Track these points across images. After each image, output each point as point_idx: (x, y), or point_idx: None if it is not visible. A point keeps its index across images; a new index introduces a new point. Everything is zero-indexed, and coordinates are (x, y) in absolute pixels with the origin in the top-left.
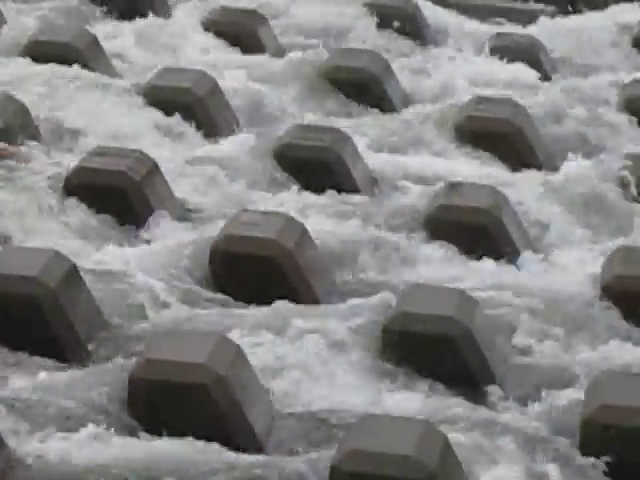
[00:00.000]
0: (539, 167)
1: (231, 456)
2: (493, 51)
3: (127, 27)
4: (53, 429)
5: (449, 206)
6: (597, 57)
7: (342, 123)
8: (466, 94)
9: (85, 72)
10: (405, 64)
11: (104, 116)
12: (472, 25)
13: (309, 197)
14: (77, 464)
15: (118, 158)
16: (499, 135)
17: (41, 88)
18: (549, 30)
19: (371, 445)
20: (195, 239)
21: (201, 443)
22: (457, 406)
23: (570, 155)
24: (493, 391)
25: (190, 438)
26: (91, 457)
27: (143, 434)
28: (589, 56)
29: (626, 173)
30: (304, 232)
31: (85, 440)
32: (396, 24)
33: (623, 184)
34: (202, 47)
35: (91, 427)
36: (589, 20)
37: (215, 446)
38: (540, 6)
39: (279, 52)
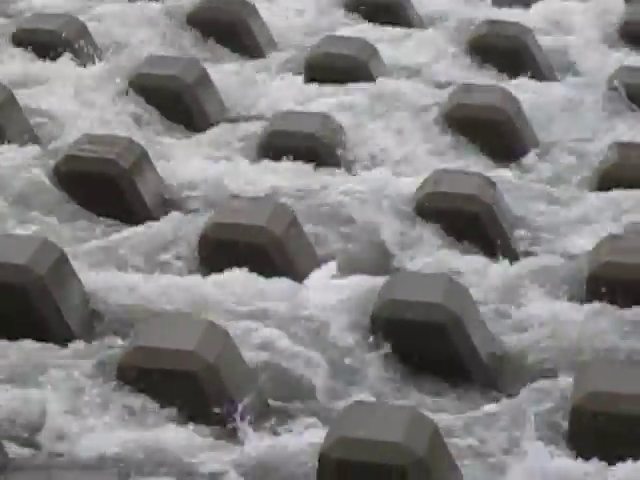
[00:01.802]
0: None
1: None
2: None
3: None
4: None
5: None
6: None
7: None
8: None
9: None
10: None
11: None
12: None
13: None
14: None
15: (107, 146)
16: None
17: None
18: None
19: (360, 432)
20: (185, 225)
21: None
22: (446, 393)
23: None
24: (482, 378)
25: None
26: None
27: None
28: None
29: None
30: (293, 218)
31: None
32: None
33: None
34: None
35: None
36: None
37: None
38: None
39: None
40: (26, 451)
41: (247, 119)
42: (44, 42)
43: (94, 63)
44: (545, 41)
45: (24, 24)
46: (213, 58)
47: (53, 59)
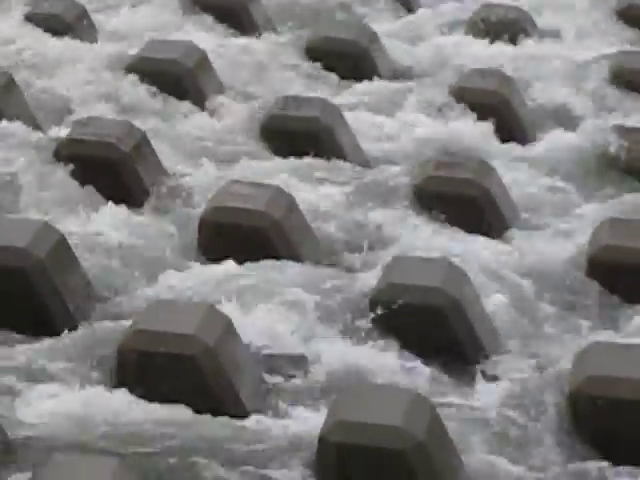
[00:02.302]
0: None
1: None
2: None
3: None
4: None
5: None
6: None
7: None
8: None
9: None
10: None
11: None
12: None
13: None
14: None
15: (107, 129)
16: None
17: None
18: None
19: (359, 416)
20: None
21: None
22: (445, 376)
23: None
24: (482, 362)
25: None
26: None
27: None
28: None
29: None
30: (292, 203)
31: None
32: None
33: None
34: None
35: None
36: None
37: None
38: None
39: None
40: None
41: None
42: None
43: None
44: None
45: None
46: None
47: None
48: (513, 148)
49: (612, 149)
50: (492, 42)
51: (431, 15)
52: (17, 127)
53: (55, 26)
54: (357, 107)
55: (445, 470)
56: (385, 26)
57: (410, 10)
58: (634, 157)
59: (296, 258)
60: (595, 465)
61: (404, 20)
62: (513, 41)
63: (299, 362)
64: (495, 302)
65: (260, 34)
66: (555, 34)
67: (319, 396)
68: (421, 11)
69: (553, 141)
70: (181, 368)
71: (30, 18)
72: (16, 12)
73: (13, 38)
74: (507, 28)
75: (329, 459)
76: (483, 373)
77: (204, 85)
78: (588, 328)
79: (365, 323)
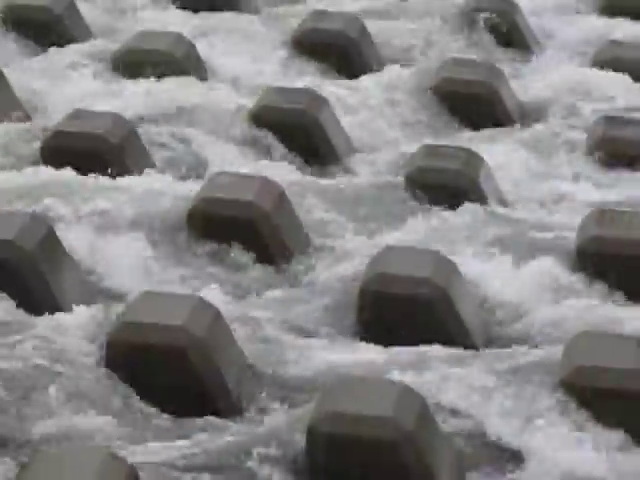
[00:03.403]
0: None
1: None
2: None
3: None
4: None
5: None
6: None
7: None
8: None
9: None
10: None
11: None
12: None
13: None
14: None
15: (96, 121)
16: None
17: None
18: None
19: (349, 406)
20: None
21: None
22: (433, 368)
23: None
24: (470, 352)
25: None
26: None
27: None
28: None
29: None
30: (281, 195)
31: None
32: None
33: None
34: None
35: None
36: None
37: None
38: None
39: None
40: None
41: None
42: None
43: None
44: None
45: None
46: None
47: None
48: None
49: None
50: None
51: None
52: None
53: None
54: None
55: (435, 461)
56: None
57: None
58: None
59: (284, 249)
60: None
61: None
62: None
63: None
64: None
65: None
66: None
67: (307, 388)
68: None
69: None
70: (170, 360)
71: None
72: None
73: None
74: None
75: (318, 450)
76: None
77: None
78: None
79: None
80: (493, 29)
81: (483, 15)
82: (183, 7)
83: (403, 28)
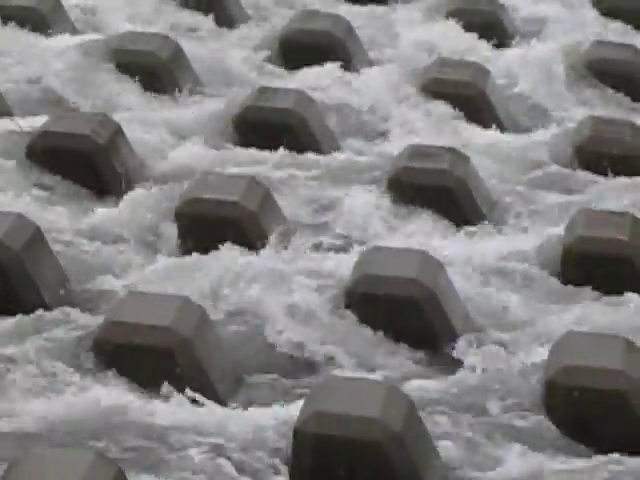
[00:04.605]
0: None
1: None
2: None
3: None
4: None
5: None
6: None
7: None
8: None
9: None
10: None
11: None
12: None
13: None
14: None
15: (82, 121)
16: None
17: None
18: None
19: (335, 407)
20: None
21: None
22: (420, 368)
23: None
24: (456, 353)
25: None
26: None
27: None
28: None
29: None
30: (267, 195)
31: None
32: None
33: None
34: None
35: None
36: None
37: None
38: None
39: None
40: None
41: None
42: None
43: None
44: None
45: None
46: None
47: None
48: None
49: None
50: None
51: None
52: None
53: None
54: None
55: (421, 461)
56: None
57: None
58: None
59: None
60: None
61: None
62: None
63: (275, 353)
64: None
65: None
66: None
67: (294, 387)
68: None
69: None
70: (157, 359)
71: None
72: None
73: None
74: None
75: (305, 450)
76: (458, 362)
77: None
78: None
79: (341, 313)
80: None
81: None
82: None
83: None
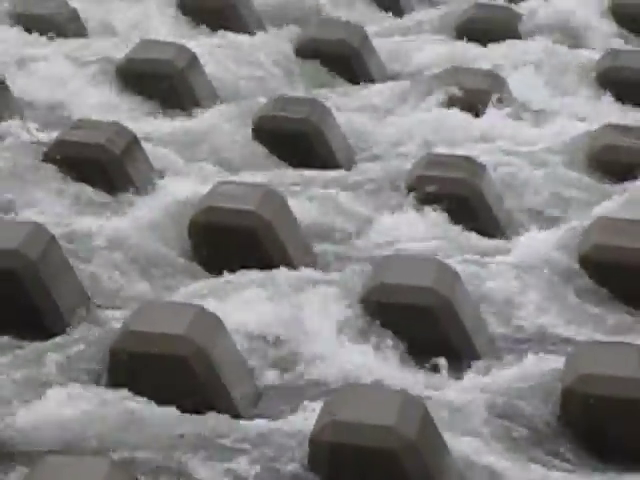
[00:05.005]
0: None
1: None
2: None
3: None
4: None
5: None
6: None
7: None
8: None
9: None
10: None
11: None
12: None
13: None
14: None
15: (97, 131)
16: None
17: None
18: None
19: (351, 416)
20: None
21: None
22: (436, 377)
23: None
24: (473, 362)
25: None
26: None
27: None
28: None
29: None
30: (283, 204)
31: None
32: None
33: None
34: None
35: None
36: None
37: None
38: None
39: None
40: None
41: None
42: None
43: None
44: None
45: None
46: None
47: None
48: None
49: None
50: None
51: None
52: None
53: None
54: None
55: (437, 470)
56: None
57: None
58: None
59: (286, 260)
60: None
61: None
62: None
63: (292, 362)
64: None
65: None
66: None
67: (311, 396)
68: None
69: None
70: (172, 369)
71: None
72: None
73: None
74: None
75: (321, 459)
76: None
77: None
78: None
79: (357, 323)
80: None
81: None
82: None
83: None
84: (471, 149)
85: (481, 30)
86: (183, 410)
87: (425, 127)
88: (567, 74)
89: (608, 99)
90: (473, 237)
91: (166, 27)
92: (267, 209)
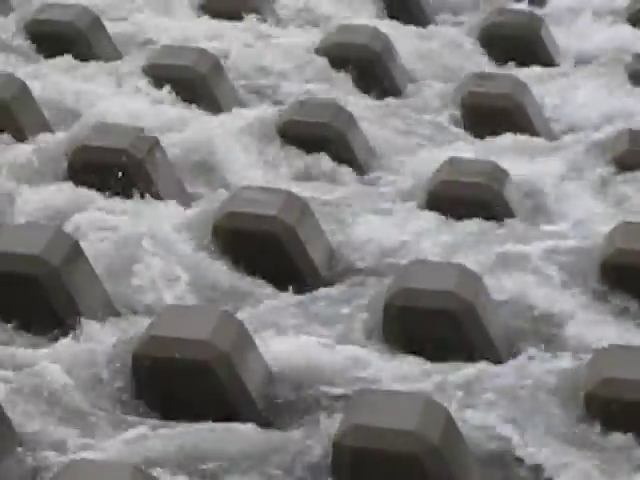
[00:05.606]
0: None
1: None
2: None
3: None
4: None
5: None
6: None
7: None
8: None
9: None
10: None
11: None
12: None
13: None
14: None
15: (120, 136)
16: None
17: None
18: None
19: (373, 420)
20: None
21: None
22: (459, 381)
23: None
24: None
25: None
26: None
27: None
28: None
29: None
30: (305, 209)
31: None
32: None
33: None
34: None
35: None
36: None
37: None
38: None
39: None
40: None
41: None
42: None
43: None
44: None
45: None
46: None
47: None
48: None
49: None
50: None
51: None
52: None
53: None
54: None
55: (459, 474)
56: None
57: None
58: None
59: (309, 264)
60: None
61: None
62: None
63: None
64: None
65: None
66: None
67: (332, 403)
68: None
69: None
70: (196, 374)
71: None
72: None
73: None
74: None
75: (343, 463)
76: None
77: None
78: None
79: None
80: None
81: None
82: None
83: None
84: None
85: None
86: (207, 417)
87: None
88: None
89: None
90: None
91: None
92: (289, 215)
